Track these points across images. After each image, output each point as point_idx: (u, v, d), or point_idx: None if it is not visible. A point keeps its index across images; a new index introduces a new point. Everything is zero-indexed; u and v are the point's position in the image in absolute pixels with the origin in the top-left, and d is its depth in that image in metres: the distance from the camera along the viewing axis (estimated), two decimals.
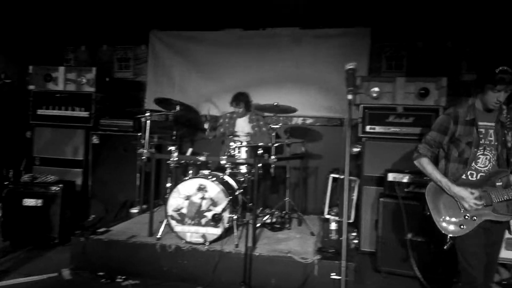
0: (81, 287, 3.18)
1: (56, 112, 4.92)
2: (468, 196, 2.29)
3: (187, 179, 3.43)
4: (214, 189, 3.35)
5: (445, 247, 2.29)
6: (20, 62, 5.13)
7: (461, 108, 2.43)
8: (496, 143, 2.36)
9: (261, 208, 4.13)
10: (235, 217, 3.34)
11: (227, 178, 3.72)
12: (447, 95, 3.92)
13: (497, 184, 2.33)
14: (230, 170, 3.77)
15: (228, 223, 3.31)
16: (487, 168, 2.37)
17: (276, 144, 3.80)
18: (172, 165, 3.61)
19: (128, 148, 4.79)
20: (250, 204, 3.59)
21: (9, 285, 3.11)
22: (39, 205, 3.97)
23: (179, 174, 4.03)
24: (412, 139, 3.89)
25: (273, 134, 3.82)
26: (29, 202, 3.97)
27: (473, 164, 2.37)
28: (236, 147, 3.71)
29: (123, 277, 3.24)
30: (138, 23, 5.42)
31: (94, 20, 5.36)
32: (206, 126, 4.27)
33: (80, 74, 4.92)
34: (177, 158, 3.57)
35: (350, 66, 2.05)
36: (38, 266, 3.49)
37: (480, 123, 2.37)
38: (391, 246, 3.46)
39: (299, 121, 5.20)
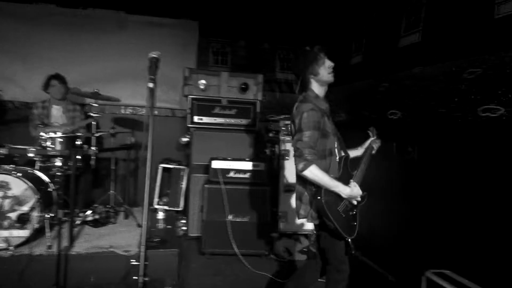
0: None
1: None
2: (359, 191, 2.15)
3: None
4: (19, 186, 2.94)
5: (353, 252, 2.08)
6: None
7: (315, 100, 2.18)
8: (335, 130, 2.29)
9: (82, 204, 3.81)
10: (47, 216, 3.00)
11: (38, 173, 3.29)
12: (263, 90, 4.42)
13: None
14: (42, 164, 3.34)
15: (38, 223, 2.95)
16: (339, 155, 2.25)
17: (97, 134, 3.59)
18: None
19: None
20: (66, 201, 3.27)
21: None
22: None
23: None
24: (235, 129, 4.29)
25: (94, 123, 3.59)
26: None
27: (337, 153, 2.24)
28: (48, 138, 3.31)
29: None
30: None
31: None
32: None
33: None
34: None
35: (153, 54, 1.92)
36: None
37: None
38: (214, 229, 3.70)
39: (128, 110, 4.99)
